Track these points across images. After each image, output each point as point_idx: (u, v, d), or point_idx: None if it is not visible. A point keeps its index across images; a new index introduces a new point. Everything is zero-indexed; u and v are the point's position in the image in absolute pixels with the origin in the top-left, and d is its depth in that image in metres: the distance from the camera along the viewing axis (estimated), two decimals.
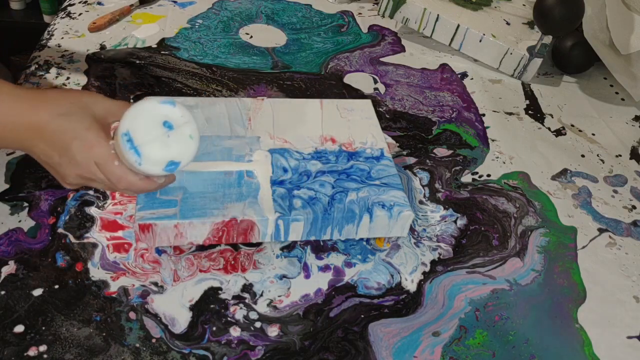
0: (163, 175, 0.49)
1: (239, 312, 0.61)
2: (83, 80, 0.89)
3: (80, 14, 1.05)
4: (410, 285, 0.67)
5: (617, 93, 1.07)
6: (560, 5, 0.95)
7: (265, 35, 1.06)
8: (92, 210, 0.68)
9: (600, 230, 0.78)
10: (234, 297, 0.63)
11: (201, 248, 0.66)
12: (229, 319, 0.61)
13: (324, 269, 0.67)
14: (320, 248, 0.69)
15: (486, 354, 0.62)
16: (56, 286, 0.61)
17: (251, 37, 1.05)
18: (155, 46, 0.99)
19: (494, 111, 0.97)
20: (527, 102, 1.01)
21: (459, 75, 1.04)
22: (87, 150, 0.48)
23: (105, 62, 0.93)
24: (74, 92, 0.51)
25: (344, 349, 0.60)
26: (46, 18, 1.77)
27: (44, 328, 0.57)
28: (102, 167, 0.49)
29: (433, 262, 0.70)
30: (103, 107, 0.51)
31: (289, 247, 0.68)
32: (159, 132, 0.47)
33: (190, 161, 0.49)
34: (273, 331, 0.60)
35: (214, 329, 0.60)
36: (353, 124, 0.79)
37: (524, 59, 1.02)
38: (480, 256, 0.72)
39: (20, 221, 0.66)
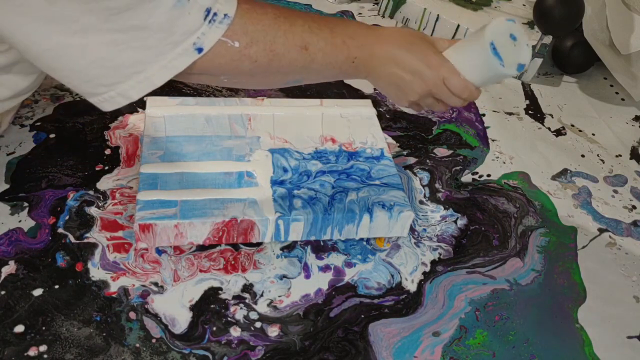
0: (513, 75, 0.59)
1: (239, 312, 0.61)
2: None
3: None
4: (411, 285, 0.67)
5: (617, 93, 1.07)
6: (560, 5, 0.95)
7: None
8: (92, 210, 0.68)
9: (600, 230, 0.78)
10: (234, 297, 0.63)
11: (201, 248, 0.66)
12: (229, 319, 0.61)
13: (324, 269, 0.67)
14: (320, 248, 0.69)
15: (486, 354, 0.62)
16: (56, 286, 0.61)
17: None
18: None
19: (494, 111, 0.97)
20: (527, 102, 1.01)
21: None
22: (436, 69, 0.59)
23: None
24: (405, 29, 0.63)
25: (344, 349, 0.60)
26: None
27: (44, 328, 0.57)
28: (448, 81, 0.60)
29: (433, 262, 0.70)
30: (433, 39, 0.63)
31: (289, 247, 0.68)
32: (510, 41, 0.58)
33: (528, 64, 0.60)
34: (273, 331, 0.60)
35: (214, 329, 0.60)
36: (353, 124, 0.79)
37: None
38: (481, 256, 0.72)
39: (20, 221, 0.66)
